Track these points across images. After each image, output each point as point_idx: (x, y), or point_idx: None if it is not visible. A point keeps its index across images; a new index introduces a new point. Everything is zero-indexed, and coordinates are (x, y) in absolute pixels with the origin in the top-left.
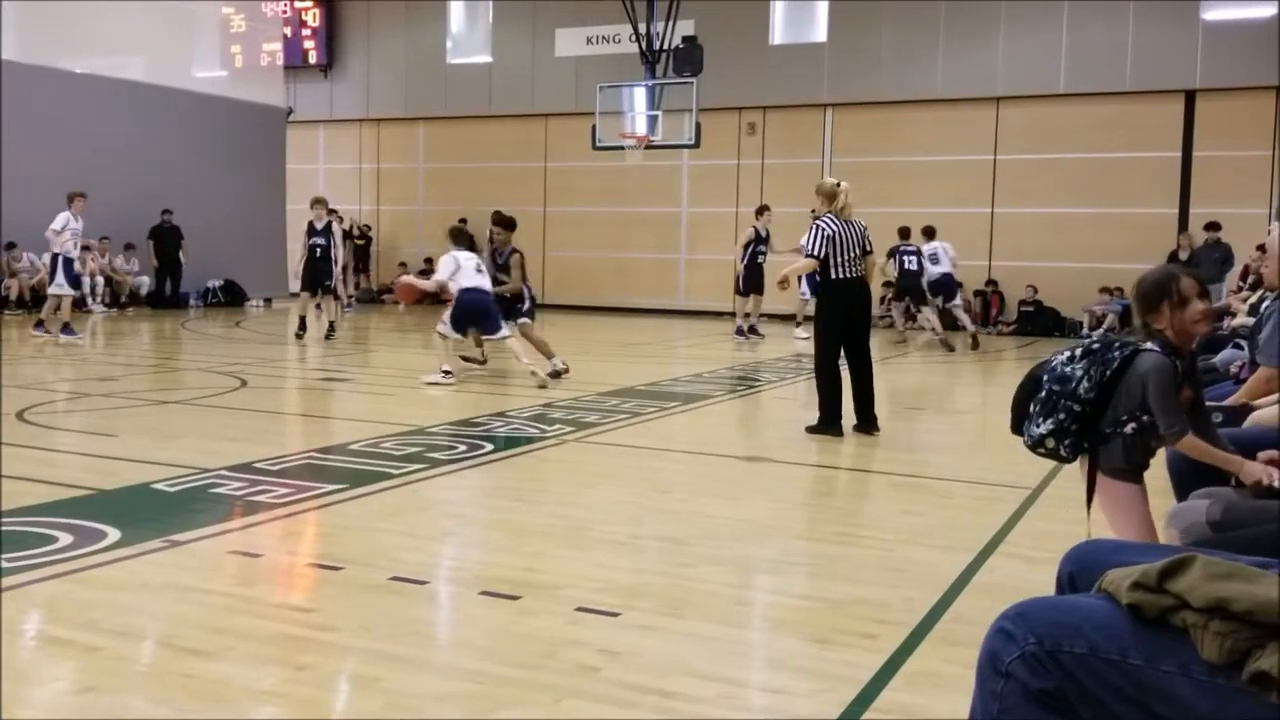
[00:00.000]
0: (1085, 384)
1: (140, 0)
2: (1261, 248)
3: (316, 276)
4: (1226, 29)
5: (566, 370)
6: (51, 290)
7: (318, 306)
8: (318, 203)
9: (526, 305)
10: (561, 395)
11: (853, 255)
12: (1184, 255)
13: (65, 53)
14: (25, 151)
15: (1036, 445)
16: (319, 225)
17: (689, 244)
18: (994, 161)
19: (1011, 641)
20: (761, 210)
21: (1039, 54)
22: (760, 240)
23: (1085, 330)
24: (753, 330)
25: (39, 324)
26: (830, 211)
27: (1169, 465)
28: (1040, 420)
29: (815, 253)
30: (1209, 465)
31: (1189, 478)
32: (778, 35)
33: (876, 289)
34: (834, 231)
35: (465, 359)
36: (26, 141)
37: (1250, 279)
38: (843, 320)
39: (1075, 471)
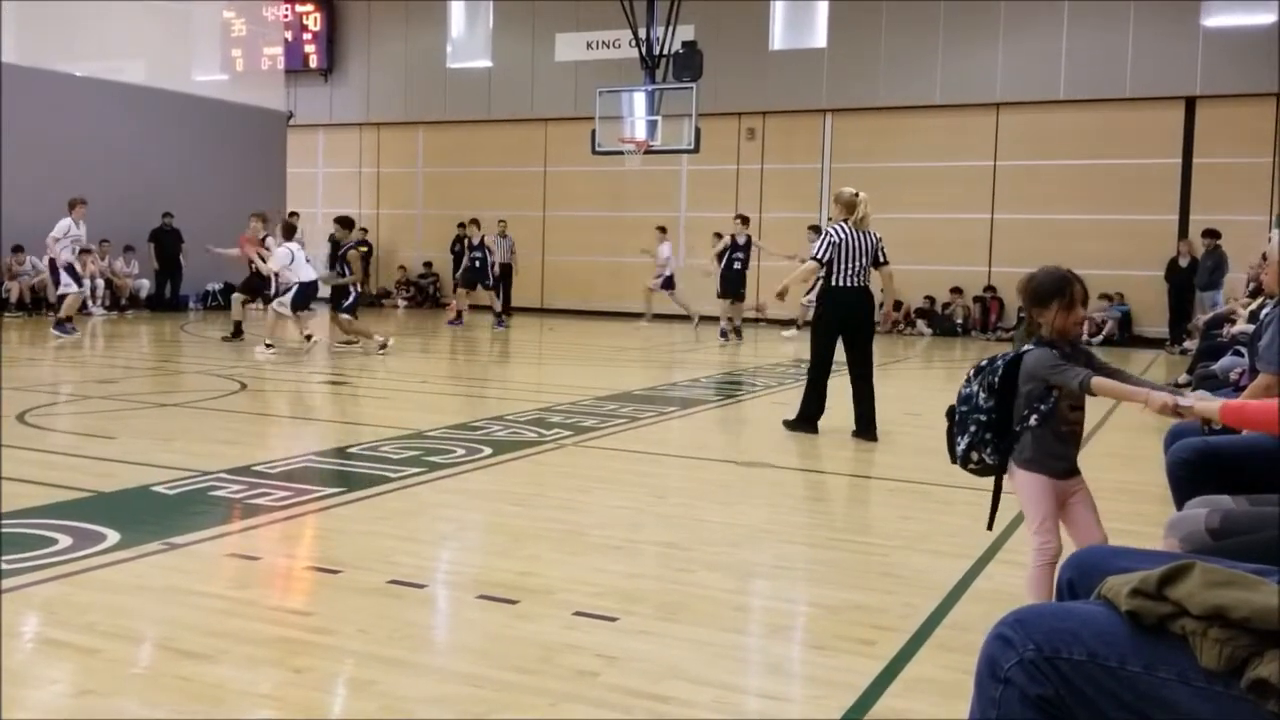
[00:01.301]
0: (983, 395)
1: (141, 2)
2: (1265, 256)
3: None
4: (1227, 36)
5: (385, 346)
6: (62, 291)
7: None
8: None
9: (351, 299)
10: (559, 400)
11: (859, 265)
12: (1184, 263)
13: (66, 56)
14: (26, 154)
15: (965, 462)
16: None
17: (687, 249)
18: (994, 167)
19: (1010, 647)
20: (745, 220)
21: (1039, 60)
22: (737, 248)
23: (1085, 336)
24: (736, 332)
25: (59, 323)
26: (847, 220)
27: (1168, 474)
28: (960, 439)
29: (819, 256)
30: (1206, 473)
31: (1187, 486)
32: (777, 40)
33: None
34: (841, 239)
35: (307, 337)
36: (28, 144)
37: (1250, 286)
38: (838, 327)
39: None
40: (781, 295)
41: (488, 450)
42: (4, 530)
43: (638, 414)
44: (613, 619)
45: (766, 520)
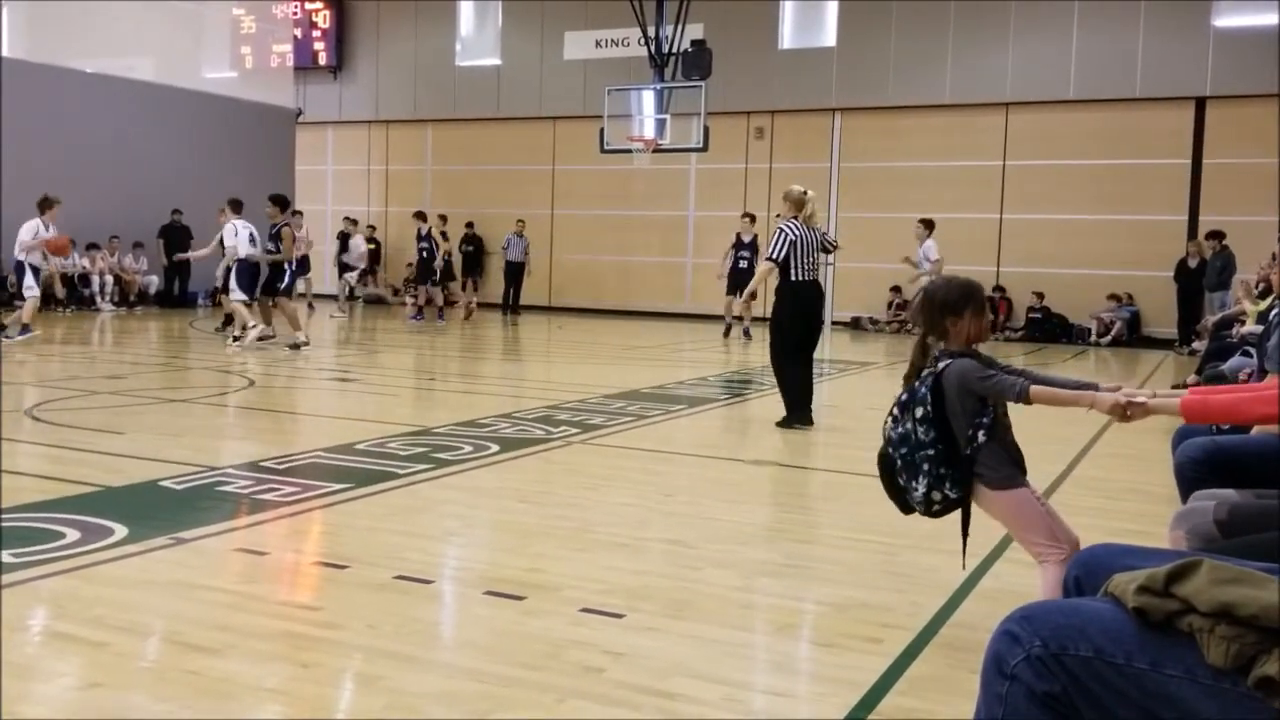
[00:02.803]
0: (921, 430)
1: (151, 1)
2: (1275, 255)
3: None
4: (1237, 36)
5: (306, 344)
6: (26, 294)
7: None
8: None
9: (286, 280)
10: (567, 397)
11: (812, 260)
12: (1193, 263)
13: (75, 53)
14: (37, 150)
15: (929, 507)
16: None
17: (695, 248)
18: (1003, 167)
19: (1017, 644)
20: (752, 218)
21: (1049, 60)
22: (743, 246)
23: (1093, 337)
24: (745, 332)
25: (24, 328)
26: (796, 218)
27: (1176, 474)
28: (914, 485)
29: (775, 257)
30: (1215, 472)
31: (1195, 485)
32: (787, 39)
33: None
34: (797, 236)
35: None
36: (38, 140)
37: (1260, 286)
38: (799, 318)
39: (1082, 478)
40: (752, 297)
41: (495, 447)
42: (14, 524)
43: (645, 412)
44: (619, 616)
45: (774, 518)
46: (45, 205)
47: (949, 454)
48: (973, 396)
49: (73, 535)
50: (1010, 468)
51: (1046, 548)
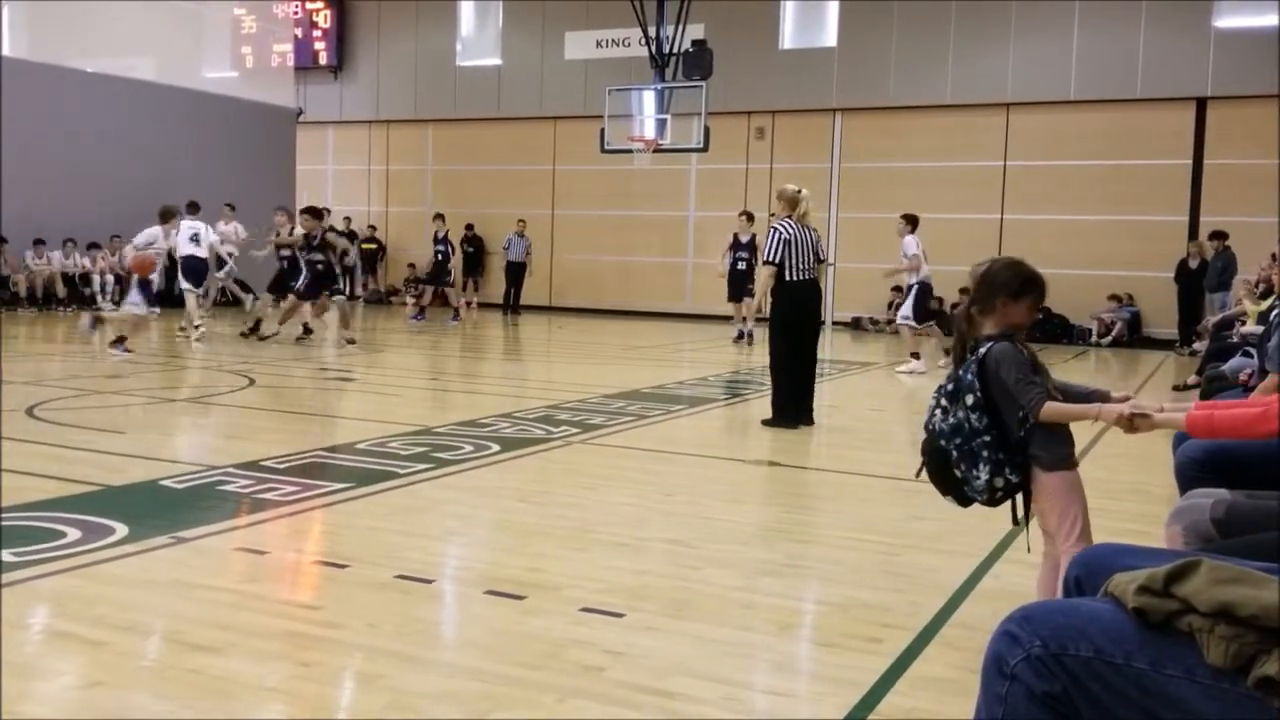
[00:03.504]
0: (973, 416)
1: (152, 1)
2: (1275, 256)
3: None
4: (1238, 37)
5: (353, 342)
6: (129, 308)
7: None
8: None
9: (340, 283)
10: (567, 397)
11: (807, 260)
12: (1194, 264)
13: (76, 52)
14: (38, 149)
15: (991, 494)
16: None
17: (696, 248)
18: (1004, 168)
19: (1017, 644)
20: (750, 217)
21: (1050, 60)
22: (740, 246)
23: (1094, 337)
24: (748, 336)
25: None
26: (790, 217)
27: (1176, 473)
28: (975, 473)
29: (772, 259)
30: (1215, 472)
31: (1195, 486)
32: (787, 39)
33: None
34: (790, 235)
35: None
36: (39, 139)
37: (1261, 287)
38: (795, 319)
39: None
40: (760, 307)
41: (495, 447)
42: (15, 523)
43: (645, 412)
44: (620, 615)
45: (774, 518)
46: (167, 215)
47: (1004, 438)
48: (1030, 372)
49: (73, 534)
50: (1062, 448)
51: (1071, 536)
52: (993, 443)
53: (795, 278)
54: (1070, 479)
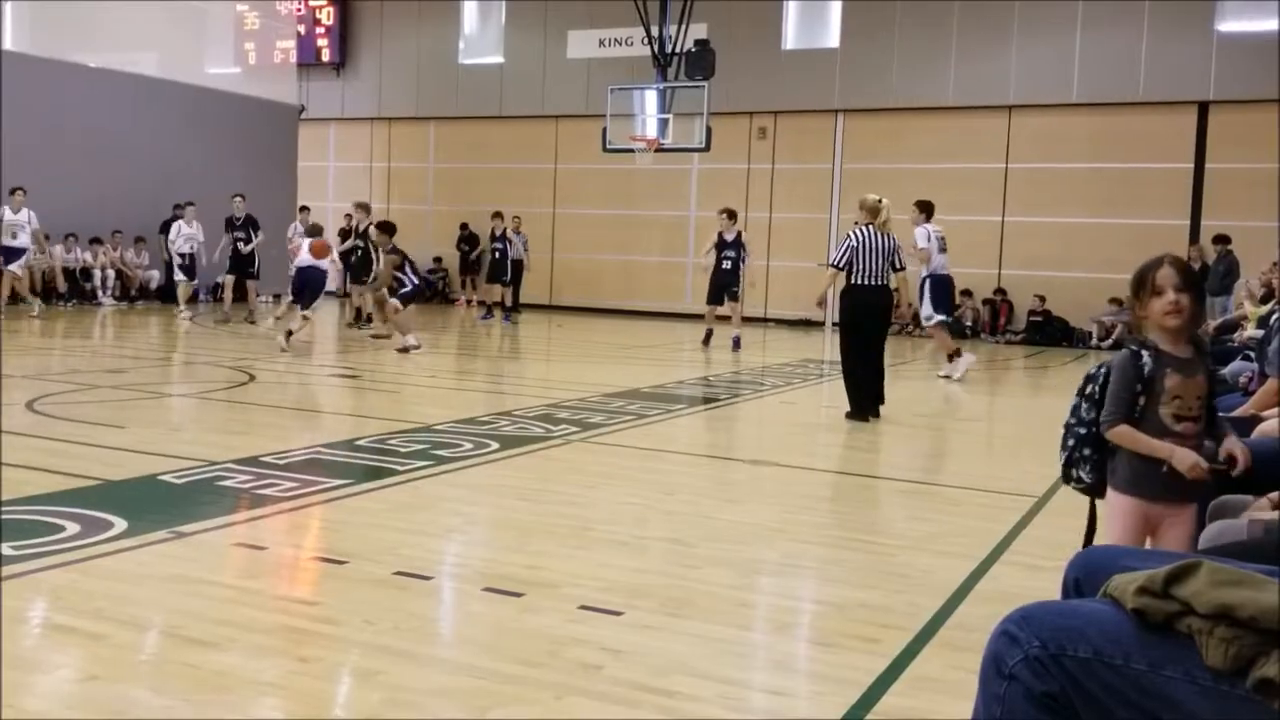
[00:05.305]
0: (1085, 406)
1: None
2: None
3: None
4: (1240, 41)
5: (418, 347)
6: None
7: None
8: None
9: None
10: (567, 396)
11: (877, 265)
12: (1195, 268)
13: (79, 47)
14: (40, 144)
15: (1067, 480)
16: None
17: (697, 248)
18: (1005, 170)
19: (1015, 644)
20: (732, 215)
21: (1052, 63)
22: (725, 245)
23: (1094, 341)
24: (734, 341)
25: None
26: (871, 224)
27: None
28: (1061, 453)
29: (837, 263)
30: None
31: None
32: (790, 40)
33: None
34: (859, 243)
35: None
36: (42, 134)
37: (1262, 291)
38: (858, 321)
39: None
40: (821, 304)
41: (495, 445)
42: (14, 517)
43: (645, 411)
44: (618, 613)
45: (773, 518)
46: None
47: (1098, 439)
48: (1128, 390)
49: (72, 528)
50: (1134, 474)
51: None
52: (1084, 437)
53: (861, 281)
54: (1127, 506)
